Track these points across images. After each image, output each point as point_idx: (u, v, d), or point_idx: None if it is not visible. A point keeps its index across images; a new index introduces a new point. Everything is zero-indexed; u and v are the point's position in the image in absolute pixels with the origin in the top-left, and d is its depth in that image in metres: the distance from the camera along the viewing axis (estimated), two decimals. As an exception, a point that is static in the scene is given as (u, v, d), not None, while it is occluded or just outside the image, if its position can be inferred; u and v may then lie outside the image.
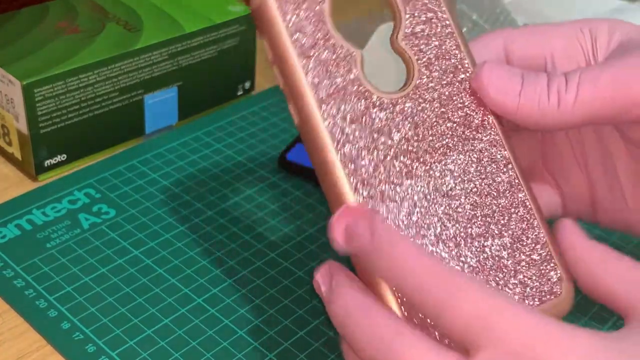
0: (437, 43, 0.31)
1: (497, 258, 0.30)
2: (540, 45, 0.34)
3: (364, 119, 0.29)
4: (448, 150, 0.31)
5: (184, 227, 0.45)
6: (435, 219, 0.30)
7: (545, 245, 0.31)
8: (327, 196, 0.29)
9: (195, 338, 0.38)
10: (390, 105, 0.30)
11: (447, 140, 0.31)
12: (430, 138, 0.30)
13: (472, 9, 0.67)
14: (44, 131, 0.47)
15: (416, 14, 0.31)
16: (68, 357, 0.37)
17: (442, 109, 0.31)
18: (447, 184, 0.30)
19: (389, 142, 0.30)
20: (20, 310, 0.39)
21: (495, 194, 0.31)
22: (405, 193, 0.30)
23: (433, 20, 0.32)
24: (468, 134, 0.31)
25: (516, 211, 0.31)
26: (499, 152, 0.32)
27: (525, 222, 0.31)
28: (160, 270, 0.42)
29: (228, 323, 0.39)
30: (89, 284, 0.41)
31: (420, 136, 0.30)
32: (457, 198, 0.30)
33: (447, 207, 0.30)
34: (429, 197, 0.30)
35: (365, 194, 0.29)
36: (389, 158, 0.30)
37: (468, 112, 0.31)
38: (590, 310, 0.41)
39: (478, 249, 0.30)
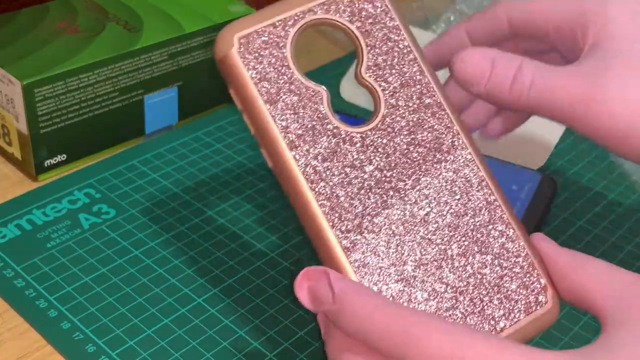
0: (399, 71, 0.32)
1: (479, 275, 0.31)
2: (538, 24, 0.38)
3: (335, 156, 0.30)
4: (421, 176, 0.31)
5: (184, 227, 0.45)
6: (415, 244, 0.30)
7: (526, 257, 0.31)
8: (307, 233, 0.30)
9: (195, 338, 0.38)
10: (360, 139, 0.31)
11: (419, 166, 0.31)
12: (403, 166, 0.31)
13: (471, 9, 0.67)
14: (44, 131, 0.47)
15: (377, 45, 0.32)
16: (68, 357, 0.37)
17: (412, 136, 0.31)
18: (423, 208, 0.31)
19: (363, 175, 0.30)
20: (21, 310, 0.39)
21: (471, 212, 0.31)
22: (383, 223, 0.30)
23: (394, 49, 0.32)
24: (440, 157, 0.31)
25: (494, 227, 0.31)
26: (472, 171, 0.32)
27: (505, 237, 0.31)
28: (160, 270, 0.42)
29: (228, 323, 0.39)
30: (89, 284, 0.41)
31: (392, 165, 0.31)
32: (434, 221, 0.31)
33: (425, 231, 0.31)
34: (406, 224, 0.30)
35: (343, 228, 0.29)
36: (363, 191, 0.30)
37: (437, 135, 0.32)
38: (581, 320, 0.41)
39: (459, 269, 0.30)
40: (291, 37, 0.31)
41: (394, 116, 0.31)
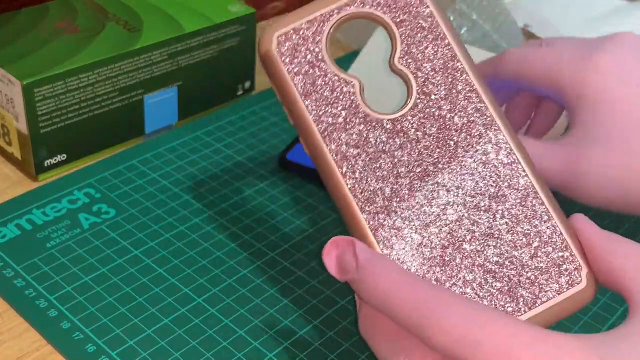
0: (432, 59, 0.33)
1: (509, 255, 0.31)
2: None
3: (366, 142, 0.32)
4: (452, 160, 0.32)
5: (184, 227, 0.45)
6: (444, 225, 0.31)
7: (560, 237, 0.31)
8: (340, 214, 0.32)
9: (195, 338, 0.38)
10: (392, 125, 0.32)
11: (450, 150, 0.32)
12: (433, 150, 0.32)
13: (471, 9, 0.67)
14: (44, 131, 0.47)
15: (410, 34, 0.33)
16: (68, 357, 0.37)
17: (443, 121, 0.32)
18: (452, 190, 0.32)
19: (393, 160, 0.32)
20: (21, 310, 0.39)
21: (503, 194, 0.32)
22: (412, 206, 0.31)
23: (427, 37, 0.33)
24: (472, 141, 0.32)
25: (527, 207, 0.32)
26: (505, 154, 0.32)
27: (538, 217, 0.32)
28: (160, 270, 0.42)
29: (228, 323, 0.39)
30: (89, 284, 0.41)
31: (423, 150, 0.32)
32: (463, 203, 0.31)
33: (454, 214, 0.31)
34: (435, 206, 0.31)
35: (372, 210, 0.31)
36: (393, 175, 0.32)
37: (469, 119, 0.32)
38: (591, 311, 0.41)
39: (489, 249, 0.31)
40: (326, 33, 0.32)
41: (425, 102, 0.32)
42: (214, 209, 0.47)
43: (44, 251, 0.43)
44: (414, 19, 0.33)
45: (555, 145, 0.39)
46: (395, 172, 0.32)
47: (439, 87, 0.33)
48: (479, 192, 0.32)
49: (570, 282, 0.31)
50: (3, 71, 0.46)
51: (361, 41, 0.64)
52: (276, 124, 0.55)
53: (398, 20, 0.33)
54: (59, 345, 0.37)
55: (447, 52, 0.33)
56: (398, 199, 0.31)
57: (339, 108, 0.32)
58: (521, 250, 0.31)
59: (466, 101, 0.33)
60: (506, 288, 0.31)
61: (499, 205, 0.32)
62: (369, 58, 0.59)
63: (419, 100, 0.32)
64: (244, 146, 0.53)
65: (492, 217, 0.31)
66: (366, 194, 0.31)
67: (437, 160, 0.32)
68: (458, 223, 0.31)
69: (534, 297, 0.30)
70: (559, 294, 0.31)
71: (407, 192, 0.31)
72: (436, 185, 0.32)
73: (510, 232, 0.31)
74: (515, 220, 0.31)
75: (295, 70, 0.32)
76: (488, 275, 0.31)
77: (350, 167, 0.31)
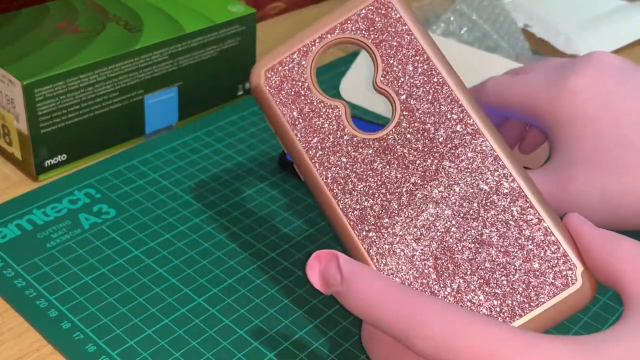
0: (414, 76, 0.34)
1: (501, 261, 0.31)
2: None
3: (354, 163, 0.33)
4: (440, 173, 0.33)
5: (184, 227, 0.45)
6: (435, 236, 0.32)
7: (553, 239, 0.31)
8: (334, 232, 0.34)
9: (195, 338, 0.38)
10: (378, 145, 0.33)
11: (438, 163, 0.33)
12: (420, 166, 0.33)
13: (471, 9, 0.67)
14: (44, 131, 0.47)
15: (390, 54, 0.34)
16: (68, 357, 0.37)
17: (428, 136, 0.33)
18: (442, 202, 0.32)
19: (381, 178, 0.33)
20: (21, 310, 0.39)
21: (492, 201, 0.32)
22: (402, 221, 0.32)
23: (407, 53, 0.34)
24: (457, 152, 0.33)
25: (516, 211, 0.32)
26: (492, 161, 0.33)
27: (529, 221, 0.32)
28: (160, 270, 0.42)
29: (228, 323, 0.39)
30: (89, 284, 0.41)
31: (409, 166, 0.33)
32: (453, 213, 0.32)
33: (445, 224, 0.32)
34: (425, 218, 0.32)
35: (363, 228, 0.32)
36: (381, 193, 0.32)
37: (454, 131, 0.33)
38: (590, 310, 0.41)
39: (481, 257, 0.31)
40: (310, 62, 0.34)
41: (409, 119, 0.33)
42: (214, 209, 0.47)
43: (44, 251, 0.43)
44: (392, 37, 0.34)
45: (541, 174, 0.40)
46: (384, 189, 0.33)
47: (422, 102, 0.33)
48: (467, 200, 0.32)
49: (565, 283, 0.31)
50: (3, 71, 0.46)
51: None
52: (276, 124, 0.55)
53: (377, 41, 0.34)
54: (59, 345, 0.37)
55: (426, 66, 0.34)
56: (389, 215, 0.32)
57: (326, 132, 0.33)
58: (513, 255, 0.31)
59: (449, 113, 0.33)
60: (501, 294, 0.31)
61: (488, 212, 0.32)
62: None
63: (402, 117, 0.33)
64: (244, 146, 0.53)
65: (482, 224, 0.32)
66: (357, 212, 0.32)
67: (424, 173, 0.33)
68: (449, 233, 0.32)
69: (530, 301, 0.31)
70: (555, 296, 0.31)
71: (396, 207, 0.32)
72: (425, 198, 0.32)
73: (502, 238, 0.32)
74: (506, 226, 0.32)
75: (283, 102, 0.34)
76: (482, 282, 0.31)
77: (340, 187, 0.33)
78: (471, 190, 0.32)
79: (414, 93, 0.33)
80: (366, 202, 0.32)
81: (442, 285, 0.31)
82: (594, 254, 0.30)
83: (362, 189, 0.33)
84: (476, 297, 0.31)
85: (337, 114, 0.33)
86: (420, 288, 0.31)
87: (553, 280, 0.31)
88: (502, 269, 0.31)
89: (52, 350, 0.37)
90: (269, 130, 0.55)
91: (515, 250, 0.31)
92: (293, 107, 0.34)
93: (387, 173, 0.33)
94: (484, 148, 0.33)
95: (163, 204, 0.47)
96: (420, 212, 0.32)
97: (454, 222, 0.32)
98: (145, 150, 0.52)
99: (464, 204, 0.32)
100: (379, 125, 0.52)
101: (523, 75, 0.43)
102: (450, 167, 0.33)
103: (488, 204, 0.32)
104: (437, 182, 0.32)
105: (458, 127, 0.33)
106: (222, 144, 0.53)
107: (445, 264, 0.31)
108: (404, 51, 0.34)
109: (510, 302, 0.31)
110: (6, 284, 0.40)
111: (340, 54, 0.66)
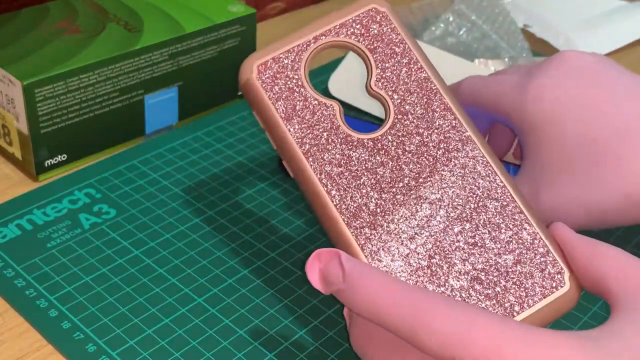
0: (407, 81, 0.34)
1: (493, 262, 0.32)
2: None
3: (348, 161, 0.33)
4: (432, 174, 0.33)
5: (184, 227, 0.45)
6: (428, 236, 0.32)
7: (541, 243, 0.32)
8: (326, 232, 0.33)
9: (195, 338, 0.38)
10: (372, 144, 0.33)
11: (429, 165, 0.33)
12: (413, 166, 0.33)
13: (471, 9, 0.67)
14: (44, 131, 0.47)
15: (384, 60, 0.35)
16: (68, 356, 0.37)
17: (421, 139, 0.34)
18: (434, 203, 0.33)
19: (375, 177, 0.33)
20: (21, 310, 0.39)
21: (483, 204, 0.33)
22: (396, 219, 0.32)
23: (401, 61, 0.35)
24: (449, 155, 0.33)
25: (507, 216, 0.33)
26: (482, 166, 0.33)
27: (518, 225, 0.33)
28: (160, 270, 0.42)
29: (228, 323, 0.39)
30: (89, 284, 0.41)
31: (403, 166, 0.33)
32: (446, 215, 0.33)
33: (438, 225, 0.32)
34: (419, 219, 0.32)
35: (357, 226, 0.32)
36: (376, 191, 0.33)
37: (446, 135, 0.34)
38: (590, 310, 0.41)
39: (473, 258, 0.32)
40: (304, 61, 0.34)
41: (403, 122, 0.34)
42: (214, 209, 0.47)
43: (45, 251, 0.43)
44: (387, 45, 0.35)
45: (516, 180, 0.40)
46: (379, 188, 0.33)
47: (415, 107, 0.34)
48: (460, 203, 0.33)
49: (554, 286, 0.32)
50: (3, 71, 0.46)
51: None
52: (276, 124, 0.55)
53: (372, 47, 0.35)
54: (59, 345, 0.37)
55: (420, 74, 0.35)
56: (383, 213, 0.32)
57: (320, 129, 0.33)
58: (505, 256, 0.32)
59: (442, 119, 0.34)
60: (492, 294, 0.31)
61: (480, 215, 0.33)
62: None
63: (396, 120, 0.34)
64: (244, 146, 0.53)
65: (474, 226, 0.32)
66: (351, 209, 0.32)
67: (417, 175, 0.33)
68: (442, 233, 0.32)
69: (521, 302, 0.31)
70: (544, 297, 0.31)
71: (391, 206, 0.32)
72: (419, 199, 0.33)
73: (493, 240, 0.32)
74: (497, 229, 0.32)
75: (276, 96, 0.34)
76: (474, 282, 0.31)
77: (334, 184, 0.33)
78: (464, 194, 0.33)
79: (408, 98, 0.34)
80: (360, 200, 0.32)
81: (435, 285, 0.31)
82: (578, 259, 0.31)
83: (356, 187, 0.33)
84: (469, 297, 0.31)
85: (332, 112, 0.34)
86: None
87: (543, 283, 0.32)
88: (495, 270, 0.32)
89: (52, 350, 0.37)
90: (269, 130, 0.55)
91: (507, 252, 0.32)
92: (286, 102, 0.34)
93: (381, 173, 0.33)
94: (475, 154, 0.33)
95: (163, 204, 0.47)
96: (414, 211, 0.32)
97: (447, 223, 0.32)
98: (145, 150, 0.52)
99: (457, 206, 0.33)
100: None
101: (498, 76, 0.43)
102: (443, 170, 0.33)
103: (480, 207, 0.33)
104: (430, 184, 0.33)
105: (450, 134, 0.34)
106: (222, 144, 0.53)
107: (439, 263, 0.32)
108: (398, 58, 0.35)
109: (502, 302, 0.31)
110: (6, 284, 0.40)
111: (339, 54, 0.66)
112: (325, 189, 0.32)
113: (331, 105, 0.34)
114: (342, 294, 0.29)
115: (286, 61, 0.34)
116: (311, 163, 0.33)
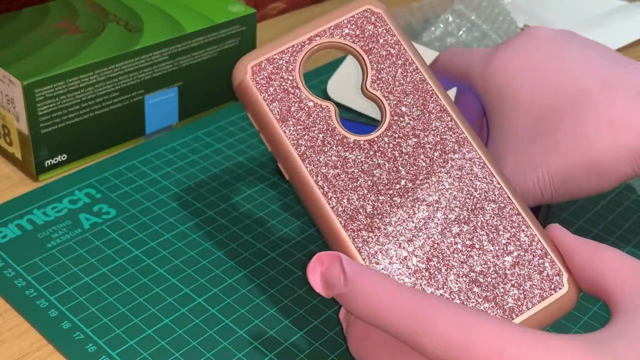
0: (402, 82, 0.34)
1: (491, 265, 0.32)
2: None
3: (344, 163, 0.33)
4: (428, 175, 0.33)
5: (184, 227, 0.45)
6: (425, 239, 0.32)
7: (539, 245, 0.32)
8: (323, 235, 0.33)
9: (195, 338, 0.38)
10: (368, 146, 0.33)
11: (426, 166, 0.33)
12: (410, 168, 0.33)
13: (470, 9, 0.67)
14: (44, 131, 0.47)
15: (379, 61, 0.34)
16: (68, 356, 0.37)
17: (417, 140, 0.33)
18: (431, 205, 0.32)
19: (372, 178, 0.33)
20: (21, 310, 0.39)
21: (480, 206, 0.33)
22: (393, 221, 0.32)
23: (396, 62, 0.34)
24: (446, 157, 0.33)
25: (504, 218, 0.33)
26: (478, 167, 0.33)
27: (515, 227, 0.33)
28: (160, 270, 0.42)
29: (228, 323, 0.39)
30: (89, 284, 0.41)
31: (400, 167, 0.33)
32: (443, 217, 0.32)
33: (435, 227, 0.32)
34: (416, 221, 0.32)
35: (354, 228, 0.32)
36: (372, 193, 0.32)
37: (442, 137, 0.34)
38: (590, 310, 0.41)
39: (471, 260, 0.32)
40: (299, 62, 0.34)
41: (399, 123, 0.34)
42: (214, 208, 0.47)
43: (45, 251, 0.43)
44: (382, 46, 0.35)
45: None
46: (375, 190, 0.32)
47: (411, 108, 0.34)
48: (457, 205, 0.32)
49: (553, 288, 0.31)
50: (3, 71, 0.46)
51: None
52: (276, 124, 0.55)
53: (367, 48, 0.34)
54: (59, 345, 0.37)
55: (416, 75, 0.34)
56: (380, 216, 0.32)
57: (316, 131, 0.33)
58: (503, 259, 0.32)
59: (438, 120, 0.34)
60: (491, 297, 0.31)
61: (477, 217, 0.32)
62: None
63: (392, 121, 0.33)
64: (244, 146, 0.53)
65: (472, 228, 0.32)
66: (348, 212, 0.32)
67: (414, 176, 0.33)
68: (440, 236, 0.32)
69: (519, 304, 0.31)
70: (543, 299, 0.31)
71: (388, 208, 0.32)
72: (416, 201, 0.32)
73: (491, 242, 0.32)
74: (495, 231, 0.32)
75: (271, 98, 0.33)
76: (473, 285, 0.31)
77: (330, 186, 0.32)
78: (461, 196, 0.33)
79: (404, 99, 0.34)
80: (357, 202, 0.32)
81: (434, 287, 0.31)
82: (576, 261, 0.31)
83: (353, 189, 0.32)
84: (468, 300, 0.31)
85: (327, 114, 0.33)
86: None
87: (541, 285, 0.31)
88: (493, 273, 0.31)
89: (52, 350, 0.37)
90: (269, 130, 0.55)
91: (505, 254, 0.32)
92: (281, 104, 0.33)
93: (378, 175, 0.33)
94: (472, 156, 0.33)
95: (163, 204, 0.47)
96: (412, 214, 0.32)
97: (445, 225, 0.32)
98: (145, 150, 0.52)
99: (455, 208, 0.32)
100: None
101: (472, 49, 0.43)
102: (440, 172, 0.33)
103: (478, 209, 0.32)
104: (427, 186, 0.33)
105: (447, 135, 0.33)
106: (222, 144, 0.53)
107: (437, 266, 0.31)
108: (394, 59, 0.34)
109: (501, 304, 0.31)
110: (6, 284, 0.40)
111: (338, 55, 0.66)
112: (322, 191, 0.32)
113: (327, 106, 0.33)
114: (344, 297, 0.29)
115: (281, 62, 0.34)
116: (307, 165, 0.32)
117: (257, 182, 0.49)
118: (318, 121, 0.33)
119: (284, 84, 0.33)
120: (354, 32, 0.35)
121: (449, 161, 0.33)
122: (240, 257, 0.43)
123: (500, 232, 0.32)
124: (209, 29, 0.53)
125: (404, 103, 0.34)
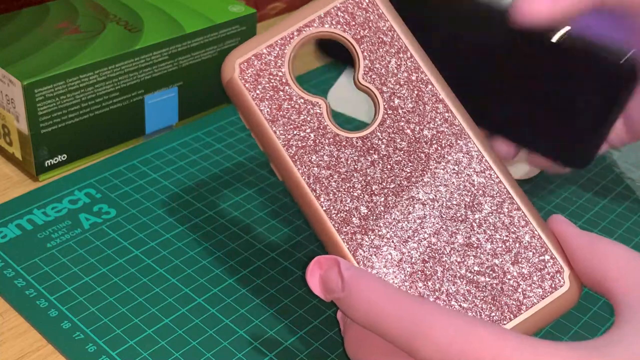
0: (396, 73, 0.33)
1: (489, 264, 0.31)
2: None
3: (337, 162, 0.32)
4: (425, 172, 0.32)
5: (184, 227, 0.45)
6: (422, 239, 0.31)
7: (539, 241, 0.31)
8: (317, 236, 0.32)
9: (195, 338, 0.38)
10: (361, 143, 0.32)
11: (421, 163, 0.32)
12: (405, 164, 0.32)
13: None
14: (44, 131, 0.47)
15: (372, 50, 0.33)
16: (68, 356, 0.37)
17: (412, 134, 0.32)
18: (427, 203, 0.32)
19: (365, 177, 0.32)
20: (21, 310, 0.39)
21: (478, 202, 0.32)
22: (388, 222, 0.31)
23: (389, 51, 0.33)
24: (442, 151, 0.32)
25: (503, 214, 0.32)
26: (477, 162, 0.32)
27: (516, 223, 0.32)
28: (160, 270, 0.42)
29: (228, 323, 0.39)
30: (89, 284, 0.41)
31: (395, 165, 0.32)
32: (440, 215, 0.31)
33: (431, 226, 0.31)
34: (412, 220, 0.31)
35: (348, 231, 0.31)
36: (367, 193, 0.31)
37: (439, 130, 0.32)
38: (590, 310, 0.41)
39: (468, 259, 0.31)
40: (288, 56, 0.32)
41: (393, 117, 0.32)
42: (214, 208, 0.47)
43: (45, 251, 0.43)
44: (374, 34, 0.33)
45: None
46: (369, 190, 0.31)
47: (406, 101, 0.32)
48: (454, 202, 0.32)
49: (553, 285, 0.31)
50: (3, 71, 0.46)
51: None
52: (276, 124, 0.55)
53: (358, 36, 0.33)
54: (59, 345, 0.37)
55: (410, 64, 0.33)
56: (374, 217, 0.31)
57: (307, 130, 0.32)
58: (501, 257, 0.31)
59: (433, 112, 0.32)
60: (490, 297, 0.30)
61: (475, 214, 0.31)
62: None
63: (386, 116, 0.32)
64: (243, 146, 0.53)
65: (469, 226, 0.31)
66: (342, 214, 0.31)
67: (409, 174, 0.32)
68: (436, 236, 0.31)
69: (519, 304, 0.30)
70: (543, 298, 0.31)
71: (382, 209, 0.31)
72: (411, 200, 0.31)
73: (489, 240, 0.31)
74: (493, 228, 0.31)
75: (260, 96, 0.32)
76: (470, 286, 0.30)
77: (323, 188, 0.31)
78: (458, 192, 0.32)
79: (398, 91, 0.32)
80: (351, 204, 0.31)
81: (431, 289, 0.30)
82: (577, 257, 0.30)
83: (346, 190, 0.31)
84: (466, 301, 0.30)
85: (318, 110, 0.32)
86: (409, 292, 0.30)
87: (541, 283, 0.31)
88: (491, 272, 0.31)
89: (52, 350, 0.37)
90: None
91: (504, 252, 0.31)
92: (271, 102, 0.32)
93: (371, 173, 0.32)
94: (469, 149, 0.32)
95: (163, 204, 0.47)
96: (407, 214, 0.31)
97: (441, 224, 0.31)
98: (145, 150, 0.52)
99: (452, 206, 0.31)
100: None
101: None
102: (436, 168, 0.32)
103: (475, 206, 0.32)
104: (423, 184, 0.32)
105: (443, 127, 0.32)
106: (222, 144, 0.53)
107: (433, 267, 0.31)
108: (387, 48, 0.33)
109: (500, 304, 0.30)
110: (6, 284, 0.40)
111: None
112: (314, 194, 0.31)
113: (317, 102, 0.32)
114: (341, 302, 0.29)
115: (269, 57, 0.32)
116: (299, 167, 0.31)
117: (257, 182, 0.49)
118: (309, 119, 0.32)
119: (272, 81, 0.32)
120: (344, 20, 0.33)
121: (446, 156, 0.32)
122: (240, 257, 0.43)
123: (499, 229, 0.31)
124: (209, 29, 0.53)
125: (398, 95, 0.32)
